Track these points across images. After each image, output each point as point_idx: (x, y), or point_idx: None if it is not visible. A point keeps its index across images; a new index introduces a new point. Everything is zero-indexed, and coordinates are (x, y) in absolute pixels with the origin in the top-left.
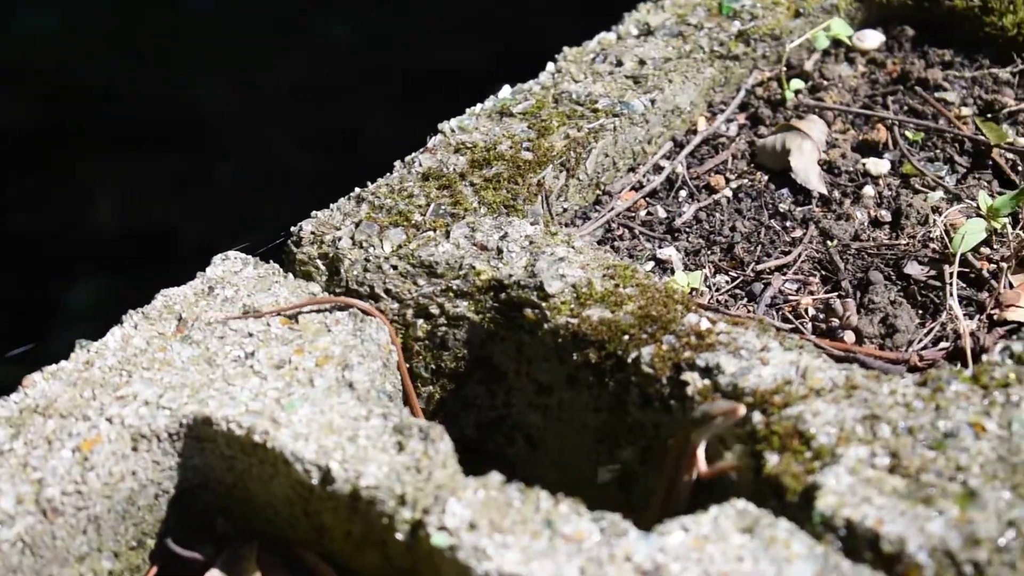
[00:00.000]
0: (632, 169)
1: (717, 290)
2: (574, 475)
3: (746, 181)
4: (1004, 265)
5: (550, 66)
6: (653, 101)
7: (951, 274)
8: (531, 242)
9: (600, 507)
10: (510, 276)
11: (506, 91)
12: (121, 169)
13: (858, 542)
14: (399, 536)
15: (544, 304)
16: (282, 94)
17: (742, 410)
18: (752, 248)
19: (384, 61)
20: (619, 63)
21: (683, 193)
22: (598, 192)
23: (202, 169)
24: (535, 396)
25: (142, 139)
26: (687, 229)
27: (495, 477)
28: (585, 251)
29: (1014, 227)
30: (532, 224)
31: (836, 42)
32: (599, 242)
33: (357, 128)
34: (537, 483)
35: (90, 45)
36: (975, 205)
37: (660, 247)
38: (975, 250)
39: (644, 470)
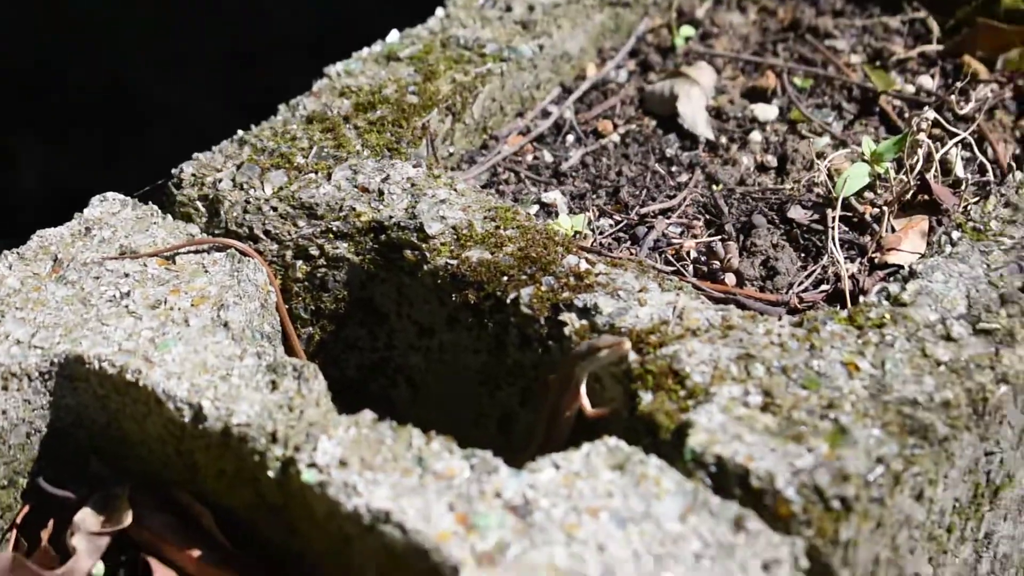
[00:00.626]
0: (520, 114)
1: (601, 233)
2: (456, 418)
3: (634, 127)
4: (886, 209)
5: (439, 11)
6: (542, 47)
7: (833, 218)
8: (413, 184)
9: (482, 447)
10: (391, 217)
11: (394, 36)
12: (46, 138)
13: (728, 478)
14: (270, 473)
15: (424, 245)
16: (199, 60)
17: (627, 344)
18: (637, 192)
19: (297, 20)
20: (508, 8)
21: (570, 138)
22: (485, 137)
23: (125, 136)
24: (416, 338)
25: (66, 108)
26: (573, 173)
27: (367, 415)
28: (467, 193)
29: (897, 172)
30: (415, 167)
31: None
32: (485, 186)
33: (275, 86)
34: (420, 425)
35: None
36: (860, 150)
37: (546, 191)
38: (859, 195)
39: (524, 412)
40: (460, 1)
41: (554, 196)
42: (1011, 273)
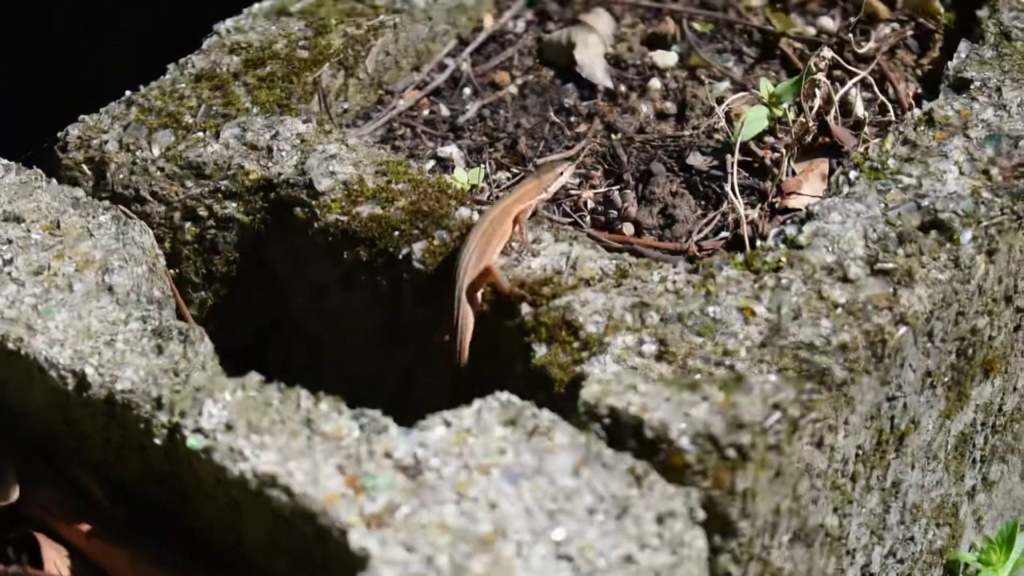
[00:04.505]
0: (416, 68)
1: (498, 186)
2: (357, 379)
3: (532, 77)
4: (786, 152)
5: None
6: None
7: (733, 163)
8: (302, 140)
9: (383, 407)
10: (280, 175)
11: None
12: None
13: (622, 430)
14: (157, 441)
15: (314, 202)
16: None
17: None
18: (535, 144)
19: None
20: None
21: (467, 91)
22: (380, 92)
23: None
24: (311, 300)
25: None
26: (470, 127)
27: (254, 377)
28: (358, 148)
29: (797, 115)
30: (304, 122)
31: None
32: (380, 142)
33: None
34: (320, 390)
35: None
36: (759, 94)
37: (442, 146)
38: (759, 139)
39: (423, 369)
40: None
41: (451, 150)
42: (909, 212)
